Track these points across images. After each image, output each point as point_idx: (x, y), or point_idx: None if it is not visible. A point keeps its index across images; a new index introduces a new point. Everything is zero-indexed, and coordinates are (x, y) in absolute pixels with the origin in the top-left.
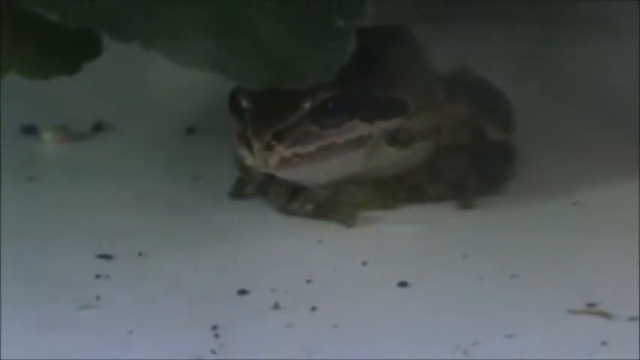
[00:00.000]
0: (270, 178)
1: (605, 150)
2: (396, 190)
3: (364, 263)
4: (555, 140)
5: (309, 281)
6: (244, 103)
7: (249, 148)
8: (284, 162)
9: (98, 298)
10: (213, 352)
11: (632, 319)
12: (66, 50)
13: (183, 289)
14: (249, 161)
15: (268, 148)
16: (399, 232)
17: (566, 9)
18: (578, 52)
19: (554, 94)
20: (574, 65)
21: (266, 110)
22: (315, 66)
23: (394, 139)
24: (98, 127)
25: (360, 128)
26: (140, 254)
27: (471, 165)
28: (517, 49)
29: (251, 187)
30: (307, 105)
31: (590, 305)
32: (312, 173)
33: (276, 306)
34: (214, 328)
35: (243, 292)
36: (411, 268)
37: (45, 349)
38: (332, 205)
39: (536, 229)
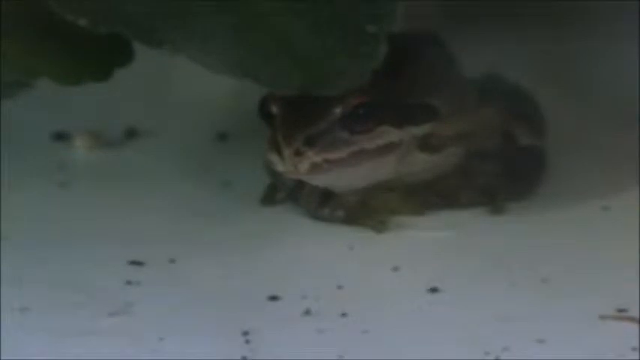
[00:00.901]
0: (300, 184)
1: (635, 154)
2: (426, 196)
3: (395, 269)
4: (584, 144)
5: (339, 287)
6: (275, 109)
7: (280, 153)
8: (314, 168)
9: (129, 304)
10: (244, 358)
11: None
12: (97, 56)
13: (214, 295)
14: (280, 167)
15: (298, 153)
16: (430, 238)
17: (585, 8)
18: (604, 54)
19: (580, 98)
20: (600, 67)
21: (296, 116)
22: (346, 72)
23: (425, 144)
24: (130, 133)
25: (390, 134)
26: (171, 260)
27: (501, 170)
28: (540, 51)
29: (282, 193)
30: (337, 111)
31: (620, 310)
32: (343, 179)
33: (307, 312)
34: (245, 334)
35: (274, 298)
36: (441, 274)
37: (75, 354)
38: (363, 211)
39: (566, 234)
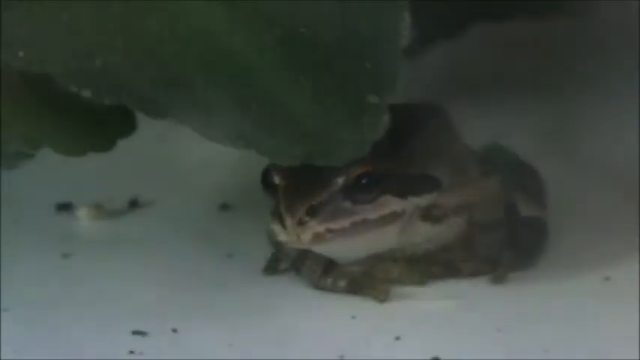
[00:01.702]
0: (303, 254)
1: (636, 224)
2: (429, 266)
3: (397, 338)
4: (585, 215)
5: (341, 357)
6: (277, 180)
7: (282, 223)
8: (317, 237)
9: None
10: None
11: None
12: (100, 126)
13: None
14: (282, 237)
15: (301, 223)
16: (432, 308)
17: (587, 79)
18: (603, 125)
19: (581, 168)
20: (600, 139)
21: (299, 186)
22: (348, 143)
23: (427, 215)
24: (132, 204)
25: (392, 204)
26: (174, 330)
27: (503, 241)
28: (540, 121)
29: (284, 263)
30: (340, 181)
31: None
32: (346, 248)
33: None
34: None
35: None
36: (444, 344)
37: None
38: (365, 280)
39: (567, 304)
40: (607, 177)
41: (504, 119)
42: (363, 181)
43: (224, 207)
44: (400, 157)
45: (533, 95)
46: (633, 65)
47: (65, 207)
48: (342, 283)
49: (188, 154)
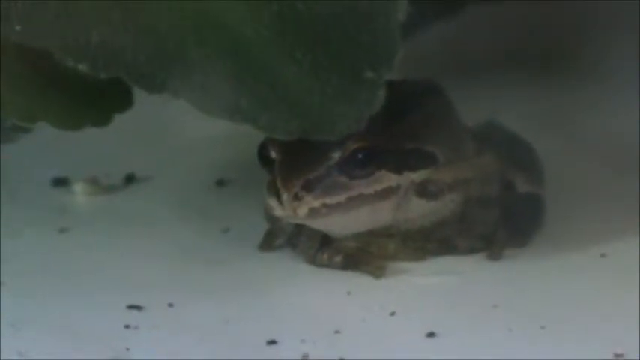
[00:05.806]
0: (299, 230)
1: (633, 201)
2: (425, 242)
3: (392, 314)
4: (582, 191)
5: (337, 332)
6: (273, 154)
7: (278, 198)
8: (312, 212)
9: (127, 348)
10: None
11: None
12: (97, 101)
13: (212, 339)
14: (278, 212)
15: (297, 198)
16: (428, 283)
17: (585, 55)
18: (602, 101)
19: (579, 145)
20: (598, 114)
21: (295, 161)
22: (344, 117)
23: (422, 191)
24: (129, 179)
25: (388, 179)
26: (170, 305)
27: (500, 217)
28: (538, 98)
29: (280, 238)
30: (336, 155)
31: (617, 355)
32: (341, 224)
33: (305, 356)
34: None
35: (272, 342)
36: (439, 319)
37: None
38: (361, 256)
39: (564, 281)
40: (604, 154)
41: (501, 97)
42: (359, 156)
43: (220, 182)
44: (396, 133)
45: (531, 74)
46: (631, 41)
47: (61, 182)
48: (338, 259)
49: (185, 130)
